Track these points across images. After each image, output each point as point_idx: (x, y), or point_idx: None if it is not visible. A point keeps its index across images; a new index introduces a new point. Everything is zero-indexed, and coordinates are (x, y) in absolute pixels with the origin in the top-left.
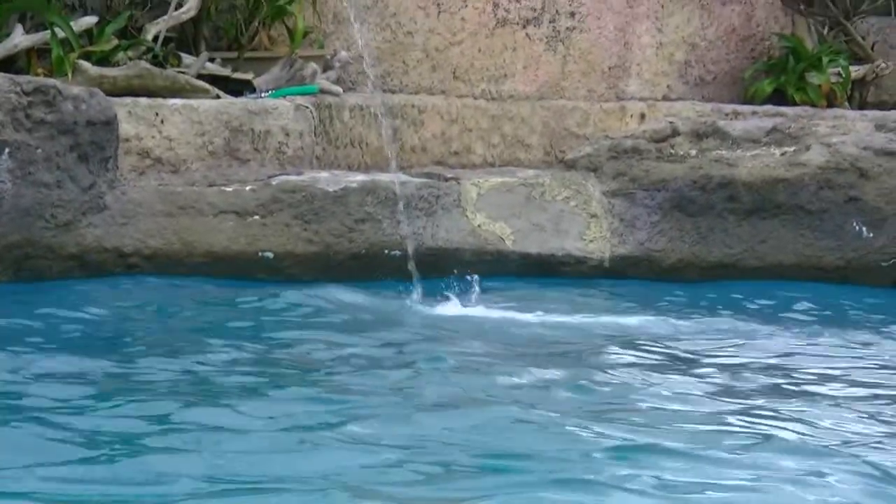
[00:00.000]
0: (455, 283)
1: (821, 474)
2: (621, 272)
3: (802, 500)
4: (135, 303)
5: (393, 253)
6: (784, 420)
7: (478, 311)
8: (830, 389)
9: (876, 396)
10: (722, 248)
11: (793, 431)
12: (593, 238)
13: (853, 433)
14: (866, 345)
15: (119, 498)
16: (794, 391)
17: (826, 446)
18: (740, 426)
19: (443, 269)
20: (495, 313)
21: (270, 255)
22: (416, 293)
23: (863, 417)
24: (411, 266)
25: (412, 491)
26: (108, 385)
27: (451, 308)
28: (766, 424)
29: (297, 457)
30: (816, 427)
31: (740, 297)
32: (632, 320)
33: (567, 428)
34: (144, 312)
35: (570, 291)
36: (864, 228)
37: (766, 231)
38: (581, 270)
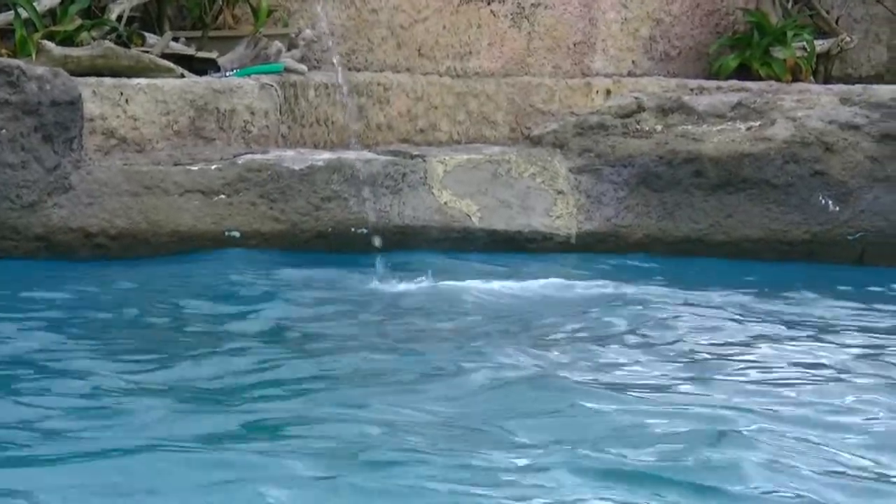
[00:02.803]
0: (420, 261)
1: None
2: (588, 248)
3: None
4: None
5: (360, 231)
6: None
7: (441, 287)
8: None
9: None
10: (689, 223)
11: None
12: (560, 214)
13: None
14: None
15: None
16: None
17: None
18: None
19: (410, 246)
20: (458, 289)
21: (237, 234)
22: (381, 270)
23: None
24: (377, 243)
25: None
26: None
27: (415, 285)
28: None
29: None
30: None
31: None
32: (586, 289)
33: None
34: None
35: (530, 266)
36: (829, 202)
37: (733, 206)
38: (548, 247)
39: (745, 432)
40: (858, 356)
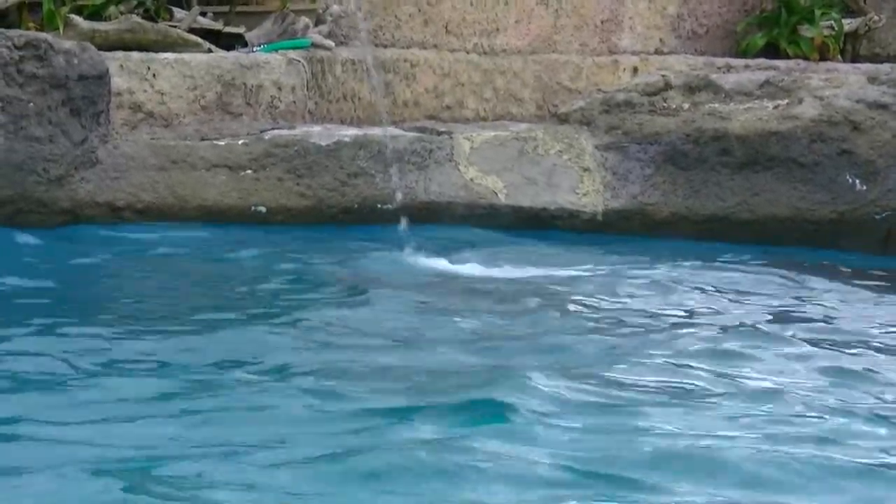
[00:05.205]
0: (445, 237)
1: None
2: (614, 226)
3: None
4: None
5: (385, 207)
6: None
7: (466, 267)
8: None
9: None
10: (715, 201)
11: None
12: (586, 192)
13: None
14: None
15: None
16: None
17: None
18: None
19: (435, 222)
20: (482, 270)
21: (263, 209)
22: (406, 247)
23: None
24: (402, 219)
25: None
26: None
27: (439, 263)
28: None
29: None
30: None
31: None
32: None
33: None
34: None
35: (559, 246)
36: (857, 181)
37: (760, 184)
38: (574, 224)
39: None
40: None
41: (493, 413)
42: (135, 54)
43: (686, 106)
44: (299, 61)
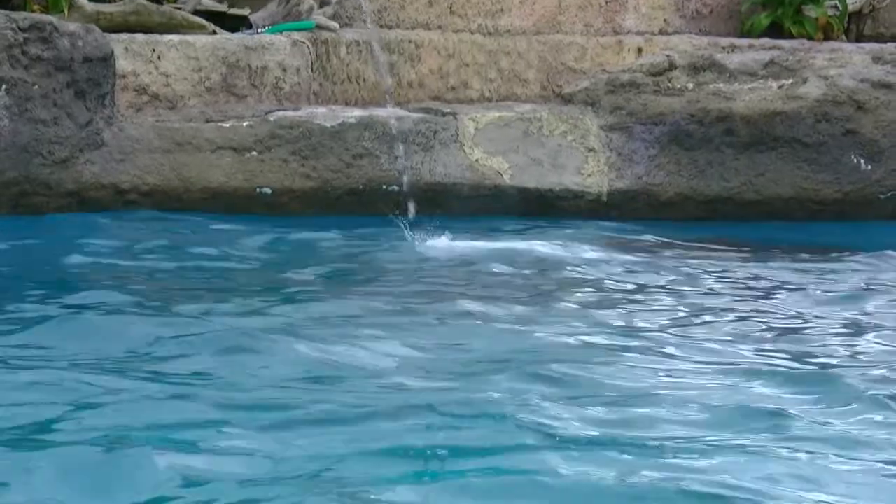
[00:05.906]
0: (449, 218)
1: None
2: (619, 206)
3: None
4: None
5: (391, 188)
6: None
7: (471, 246)
8: None
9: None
10: (720, 181)
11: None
12: (591, 172)
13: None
14: None
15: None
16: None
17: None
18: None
19: (441, 203)
20: (486, 247)
21: (268, 190)
22: (412, 227)
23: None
24: (407, 200)
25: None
26: None
27: (443, 243)
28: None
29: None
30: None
31: None
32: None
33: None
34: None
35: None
36: (861, 161)
37: (764, 164)
38: (578, 205)
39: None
40: None
41: (488, 405)
42: (139, 36)
43: (690, 86)
44: (304, 43)
